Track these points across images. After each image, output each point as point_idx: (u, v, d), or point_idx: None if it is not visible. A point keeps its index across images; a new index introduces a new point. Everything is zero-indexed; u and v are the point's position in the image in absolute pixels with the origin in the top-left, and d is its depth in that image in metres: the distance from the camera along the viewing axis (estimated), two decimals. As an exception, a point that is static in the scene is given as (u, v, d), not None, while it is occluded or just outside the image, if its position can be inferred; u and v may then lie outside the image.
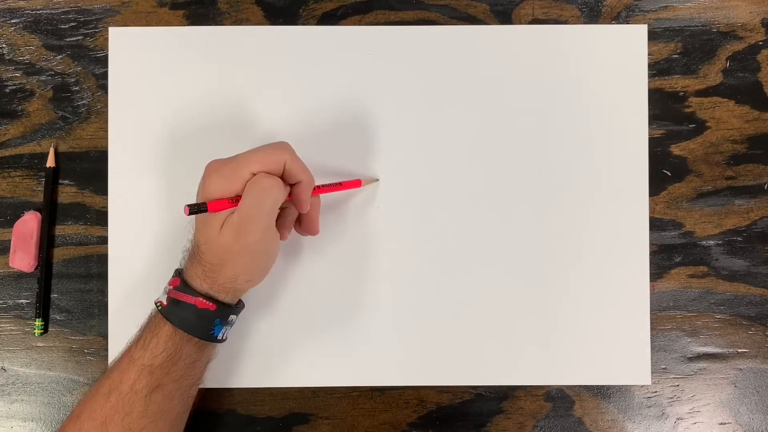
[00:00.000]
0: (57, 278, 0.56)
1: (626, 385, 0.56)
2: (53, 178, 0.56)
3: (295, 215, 0.51)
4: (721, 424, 0.56)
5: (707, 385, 0.56)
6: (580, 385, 0.56)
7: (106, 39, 0.57)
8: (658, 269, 0.57)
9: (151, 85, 0.57)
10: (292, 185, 0.49)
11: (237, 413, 0.56)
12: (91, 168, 0.57)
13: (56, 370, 0.56)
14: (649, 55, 0.58)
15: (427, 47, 0.57)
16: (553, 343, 0.56)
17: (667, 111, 0.58)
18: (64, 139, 0.57)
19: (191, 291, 0.47)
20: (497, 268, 0.56)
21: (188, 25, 0.57)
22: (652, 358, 0.56)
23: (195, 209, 0.45)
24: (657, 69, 0.58)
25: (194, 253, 0.48)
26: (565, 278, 0.56)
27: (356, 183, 0.55)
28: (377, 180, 0.56)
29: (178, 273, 0.49)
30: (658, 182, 0.57)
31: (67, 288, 0.56)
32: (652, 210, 0.57)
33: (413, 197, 0.57)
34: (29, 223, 0.56)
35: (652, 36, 0.58)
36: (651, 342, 0.56)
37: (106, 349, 0.56)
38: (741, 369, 0.56)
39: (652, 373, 0.56)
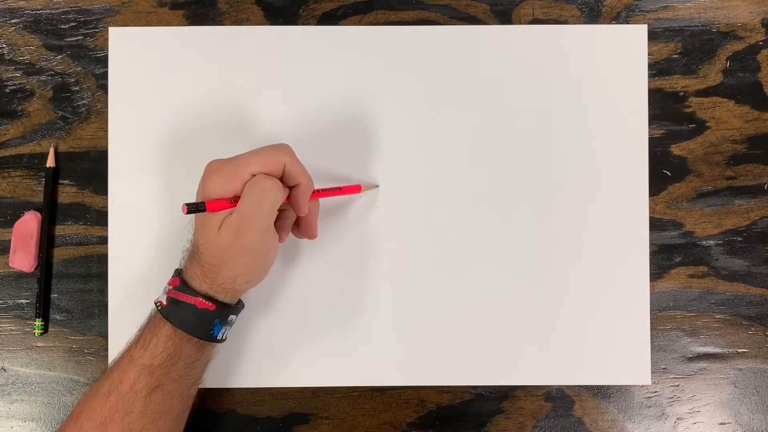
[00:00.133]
0: (57, 278, 0.56)
1: (626, 385, 0.56)
2: (53, 178, 0.56)
3: (294, 218, 0.51)
4: (721, 424, 0.56)
5: (707, 385, 0.56)
6: (580, 385, 0.56)
7: (106, 39, 0.57)
8: (658, 269, 0.57)
9: (151, 85, 0.57)
10: (291, 187, 0.49)
11: (237, 413, 0.56)
12: (91, 168, 0.57)
13: (56, 370, 0.56)
14: (649, 55, 0.58)
15: (427, 47, 0.57)
16: (553, 343, 0.56)
17: (667, 111, 0.58)
18: (64, 139, 0.57)
19: (191, 291, 0.47)
20: (497, 268, 0.56)
21: (188, 25, 0.57)
22: (652, 358, 0.56)
23: (193, 208, 0.45)
24: (657, 69, 0.58)
25: (193, 253, 0.48)
26: (565, 278, 0.56)
27: (356, 188, 0.55)
28: (377, 186, 0.56)
29: (178, 273, 0.49)
30: (658, 182, 0.57)
31: (67, 288, 0.56)
32: (652, 210, 0.57)
33: (413, 197, 0.57)
34: (29, 223, 0.56)
35: (652, 36, 0.58)
36: (651, 342, 0.56)
37: (106, 349, 0.56)
38: (741, 369, 0.56)
39: (652, 373, 0.56)
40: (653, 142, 0.57)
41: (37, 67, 0.57)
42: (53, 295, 0.56)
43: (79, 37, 0.57)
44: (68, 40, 0.57)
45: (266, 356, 0.56)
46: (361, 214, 0.56)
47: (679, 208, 0.57)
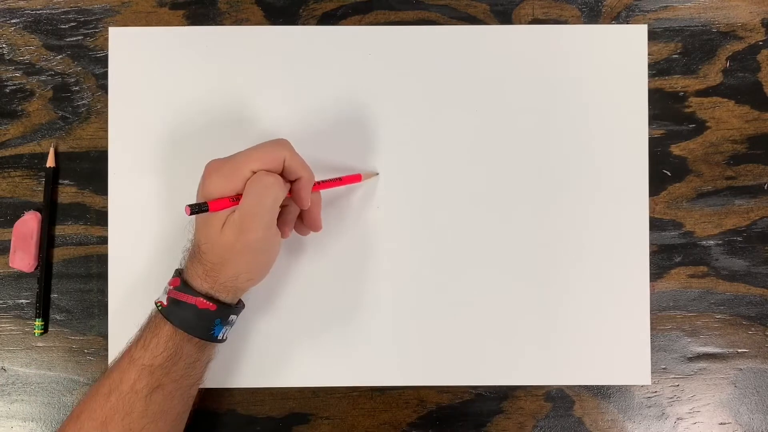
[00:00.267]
0: (57, 278, 0.56)
1: (626, 385, 0.56)
2: (53, 178, 0.56)
3: (297, 212, 0.51)
4: (721, 424, 0.56)
5: (707, 385, 0.56)
6: (580, 385, 0.56)
7: (106, 39, 0.57)
8: (658, 269, 0.57)
9: (151, 85, 0.57)
10: (292, 182, 0.49)
11: (237, 413, 0.56)
12: (91, 168, 0.57)
13: (56, 370, 0.56)
14: (649, 55, 0.58)
15: (427, 47, 0.57)
16: (553, 343, 0.56)
17: (667, 111, 0.58)
18: (64, 139, 0.57)
19: (191, 291, 0.47)
20: (497, 268, 0.56)
21: (188, 25, 0.57)
22: (652, 358, 0.56)
23: (196, 209, 0.45)
24: (657, 69, 0.58)
25: (195, 253, 0.48)
26: (565, 278, 0.56)
27: (356, 178, 0.55)
28: (377, 174, 0.56)
29: (179, 273, 0.49)
30: (658, 182, 0.57)
31: (67, 288, 0.56)
32: (652, 210, 0.57)
33: (413, 197, 0.57)
34: (29, 223, 0.56)
35: (652, 36, 0.58)
36: (651, 342, 0.56)
37: (106, 349, 0.56)
38: (741, 369, 0.56)
39: (652, 373, 0.56)
40: (653, 142, 0.57)
41: (37, 67, 0.57)
42: (53, 295, 0.56)
43: (79, 37, 0.57)
44: (68, 40, 0.57)
45: (266, 356, 0.56)
46: (361, 214, 0.56)
47: (679, 208, 0.57)
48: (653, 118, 0.57)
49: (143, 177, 0.56)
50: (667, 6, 0.58)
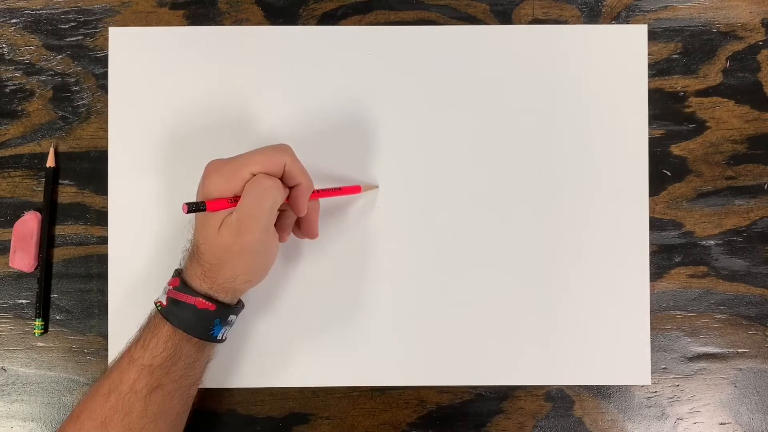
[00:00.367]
0: (57, 278, 0.56)
1: (626, 385, 0.56)
2: (53, 178, 0.56)
3: (294, 218, 0.51)
4: (721, 424, 0.56)
5: (707, 385, 0.56)
6: (580, 385, 0.56)
7: (106, 39, 0.57)
8: (658, 269, 0.57)
9: (151, 85, 0.57)
10: (291, 188, 0.49)
11: (237, 413, 0.56)
12: (91, 168, 0.57)
13: (56, 370, 0.56)
14: (649, 55, 0.57)
15: (427, 47, 0.57)
16: (553, 343, 0.56)
17: (667, 111, 0.58)
18: (64, 139, 0.57)
19: (191, 291, 0.47)
20: (497, 268, 0.56)
21: (188, 25, 0.57)
22: (652, 358, 0.56)
23: (194, 208, 0.45)
24: (657, 69, 0.58)
25: (194, 253, 0.48)
26: (565, 278, 0.56)
27: (356, 189, 0.55)
28: (377, 187, 0.56)
29: (178, 273, 0.49)
30: (658, 182, 0.57)
31: (67, 288, 0.56)
32: (652, 210, 0.57)
33: (413, 197, 0.57)
34: (29, 223, 0.56)
35: (652, 36, 0.58)
36: (651, 342, 0.56)
37: (106, 349, 0.56)
38: (741, 369, 0.56)
39: (652, 373, 0.56)
40: (653, 142, 0.57)
41: (37, 67, 0.57)
42: (53, 295, 0.56)
43: (79, 37, 0.57)
44: (68, 40, 0.57)
45: (266, 356, 0.56)
46: (361, 215, 0.56)
47: (679, 208, 0.57)
48: (653, 118, 0.57)
49: (143, 177, 0.56)
50: (667, 6, 0.58)
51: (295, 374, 0.56)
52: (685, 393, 0.56)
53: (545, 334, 0.56)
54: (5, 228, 0.57)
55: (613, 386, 0.56)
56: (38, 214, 0.56)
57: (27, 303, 0.56)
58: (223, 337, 0.50)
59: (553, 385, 0.56)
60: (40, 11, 0.57)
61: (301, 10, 0.58)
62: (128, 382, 0.46)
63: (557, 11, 0.58)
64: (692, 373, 0.56)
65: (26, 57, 0.57)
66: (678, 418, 0.56)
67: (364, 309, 0.56)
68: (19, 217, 0.56)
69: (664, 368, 0.56)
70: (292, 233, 0.53)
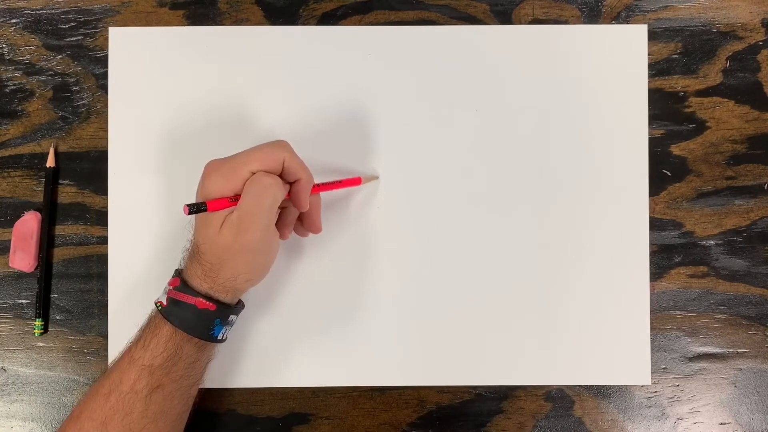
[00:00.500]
0: (57, 278, 0.56)
1: (626, 385, 0.56)
2: (53, 178, 0.56)
3: (296, 214, 0.51)
4: (721, 424, 0.56)
5: (707, 385, 0.56)
6: (580, 385, 0.56)
7: (106, 39, 0.57)
8: (658, 269, 0.57)
9: (151, 85, 0.57)
10: (291, 183, 0.49)
11: (237, 413, 0.56)
12: (91, 168, 0.57)
13: (56, 370, 0.56)
14: (649, 55, 0.58)
15: (427, 47, 0.57)
16: (553, 343, 0.56)
17: (667, 111, 0.58)
18: (64, 139, 0.57)
19: (191, 291, 0.47)
20: (497, 268, 0.56)
21: (188, 25, 0.57)
22: (652, 358, 0.56)
23: (194, 209, 0.45)
24: (657, 69, 0.58)
25: (194, 253, 0.48)
26: (565, 278, 0.56)
27: (356, 181, 0.55)
28: (377, 178, 0.56)
29: (178, 273, 0.49)
30: (658, 182, 0.57)
31: (67, 288, 0.56)
32: (652, 210, 0.57)
33: (413, 197, 0.57)
34: (29, 223, 0.56)
35: (652, 36, 0.58)
36: (651, 342, 0.56)
37: (106, 349, 0.56)
38: (741, 369, 0.56)
39: (652, 373, 0.56)
40: (653, 142, 0.57)
41: (37, 67, 0.57)
42: (53, 295, 0.56)
43: (79, 37, 0.57)
44: (68, 40, 0.57)
45: (266, 356, 0.56)
46: (361, 214, 0.56)
47: (679, 208, 0.57)
48: (653, 118, 0.57)
49: (143, 177, 0.56)
50: (667, 6, 0.58)
51: (295, 374, 0.56)
52: (685, 393, 0.56)
53: (545, 334, 0.56)
54: (5, 228, 0.57)
55: (613, 386, 0.56)
56: (38, 214, 0.56)
57: (27, 303, 0.56)
58: (224, 337, 0.50)
59: (553, 385, 0.56)
60: (40, 11, 0.57)
61: (301, 10, 0.58)
62: (128, 383, 0.46)
63: (557, 11, 0.58)
64: (692, 373, 0.56)
65: (26, 57, 0.57)
66: (678, 418, 0.56)
67: (364, 309, 0.56)
68: (19, 217, 0.56)
69: (664, 368, 0.56)
70: (294, 231, 0.52)
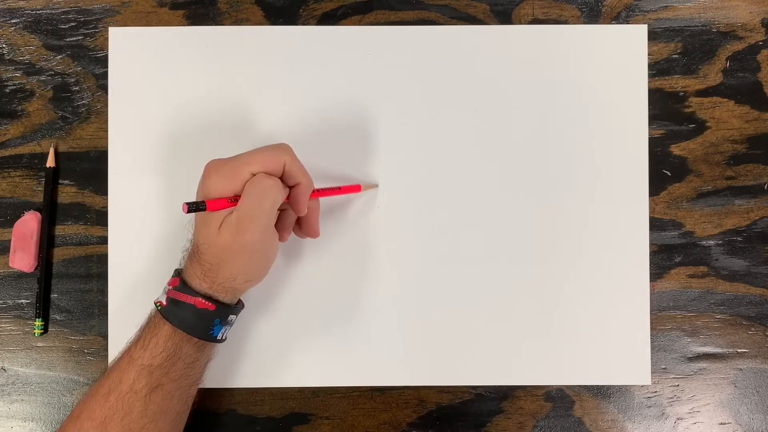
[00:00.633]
0: (57, 278, 0.56)
1: (626, 385, 0.56)
2: (53, 178, 0.56)
3: (295, 217, 0.51)
4: (721, 424, 0.56)
5: (707, 385, 0.56)
6: (580, 385, 0.56)
7: (106, 39, 0.57)
8: (658, 269, 0.57)
9: (151, 85, 0.57)
10: (291, 187, 0.49)
11: (237, 413, 0.56)
12: (91, 168, 0.57)
13: (56, 370, 0.56)
14: (649, 55, 0.57)
15: (427, 47, 0.57)
16: (553, 343, 0.56)
17: (667, 111, 0.58)
18: (64, 139, 0.57)
19: (191, 291, 0.47)
20: (497, 268, 0.56)
21: (188, 25, 0.57)
22: (652, 358, 0.56)
23: (193, 207, 0.45)
24: (657, 69, 0.58)
25: (194, 253, 0.48)
26: (565, 278, 0.56)
27: (355, 188, 0.55)
28: (376, 186, 0.56)
29: (178, 273, 0.49)
30: (658, 182, 0.57)
31: (67, 288, 0.56)
32: (652, 210, 0.57)
33: (413, 197, 0.57)
34: (29, 223, 0.56)
35: (652, 36, 0.58)
36: (651, 342, 0.56)
37: (106, 349, 0.56)
38: (741, 369, 0.56)
39: (652, 373, 0.56)
40: (653, 142, 0.57)
41: (37, 67, 0.57)
42: (53, 295, 0.56)
43: (79, 37, 0.57)
44: (68, 40, 0.57)
45: (266, 356, 0.56)
46: (361, 214, 0.56)
47: (679, 208, 0.57)
48: (653, 118, 0.57)
49: (143, 177, 0.56)
50: (667, 6, 0.58)
51: (295, 374, 0.56)
52: (685, 393, 0.56)
53: (545, 334, 0.56)
54: (5, 228, 0.57)
55: (613, 386, 0.56)
56: (38, 214, 0.56)
57: (27, 303, 0.56)
58: (223, 337, 0.50)
59: (553, 385, 0.56)
60: (40, 11, 0.57)
61: (301, 10, 0.58)
62: (128, 382, 0.46)
63: (557, 11, 0.58)
64: (692, 373, 0.56)
65: (26, 57, 0.57)
66: (678, 418, 0.56)
67: (364, 309, 0.56)
68: (19, 217, 0.56)
69: (664, 368, 0.56)
70: (293, 233, 0.53)
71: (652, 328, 0.56)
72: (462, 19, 0.58)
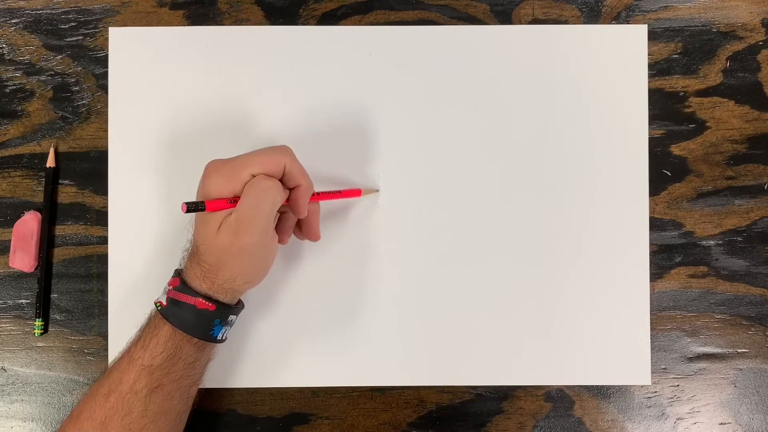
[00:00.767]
0: (57, 278, 0.56)
1: (626, 385, 0.56)
2: (53, 178, 0.56)
3: (295, 220, 0.51)
4: (721, 424, 0.56)
5: (707, 385, 0.56)
6: (580, 385, 0.56)
7: (106, 39, 0.57)
8: (658, 269, 0.57)
9: (151, 85, 0.57)
10: (291, 189, 0.49)
11: (237, 413, 0.56)
12: (91, 168, 0.57)
13: (56, 370, 0.56)
14: (649, 55, 0.57)
15: (427, 47, 0.57)
16: (553, 344, 0.56)
17: (667, 111, 0.58)
18: (64, 139, 0.57)
19: (191, 291, 0.47)
20: (497, 268, 0.56)
21: (188, 25, 0.57)
22: (652, 358, 0.56)
23: (193, 207, 0.45)
24: (657, 69, 0.58)
25: (193, 254, 0.48)
26: (565, 278, 0.56)
27: (356, 192, 0.55)
28: (377, 191, 0.56)
29: (178, 273, 0.49)
30: (658, 182, 0.57)
31: (67, 288, 0.56)
32: (652, 210, 0.57)
33: (413, 197, 0.57)
34: (29, 223, 0.56)
35: (652, 36, 0.58)
36: (651, 342, 0.56)
37: (106, 349, 0.56)
38: (741, 369, 0.56)
39: (652, 373, 0.56)
40: (653, 142, 0.57)
41: (37, 67, 0.57)
42: (53, 295, 0.56)
43: (79, 37, 0.57)
44: (68, 40, 0.57)
45: (266, 356, 0.56)
46: (362, 215, 0.56)
47: (679, 208, 0.57)
48: (653, 118, 0.57)
49: (143, 177, 0.56)
50: (667, 6, 0.58)
51: (295, 374, 0.56)
52: (685, 393, 0.56)
53: (545, 334, 0.56)
54: (5, 228, 0.57)
55: (613, 386, 0.56)
56: (38, 214, 0.56)
57: (27, 303, 0.56)
58: (223, 338, 0.50)
59: (553, 385, 0.56)
60: (40, 11, 0.57)
61: (301, 10, 0.58)
62: (128, 383, 0.46)
63: (557, 11, 0.58)
64: (692, 373, 0.56)
65: (26, 57, 0.57)
66: (678, 418, 0.56)
67: (364, 309, 0.56)
68: (19, 217, 0.56)
69: (664, 368, 0.56)
70: (293, 235, 0.52)
71: (652, 328, 0.56)
72: (462, 19, 0.58)
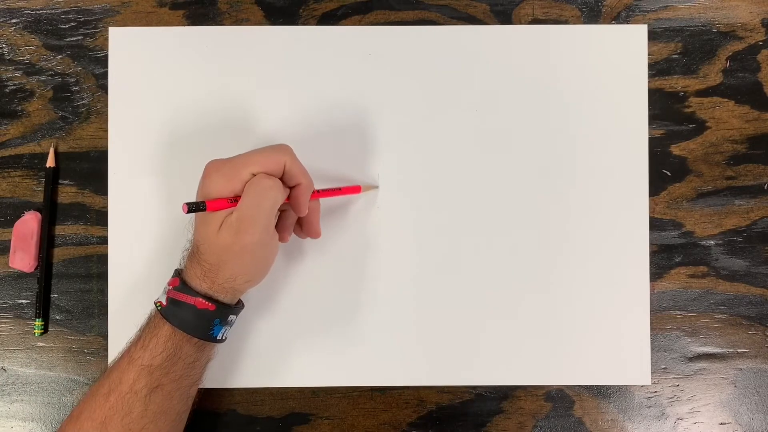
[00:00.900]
0: (57, 278, 0.56)
1: (626, 385, 0.56)
2: (53, 178, 0.56)
3: (296, 218, 0.51)
4: (721, 424, 0.56)
5: (707, 385, 0.56)
6: (580, 385, 0.56)
7: (106, 39, 0.57)
8: (658, 269, 0.57)
9: (151, 85, 0.57)
10: (291, 188, 0.49)
11: (237, 413, 0.56)
12: (91, 168, 0.57)
13: (56, 370, 0.56)
14: (649, 55, 0.57)
15: (427, 47, 0.57)
16: (553, 343, 0.56)
17: (667, 111, 0.58)
18: (64, 139, 0.57)
19: (191, 291, 0.47)
20: (497, 268, 0.56)
21: (188, 25, 0.57)
22: (652, 358, 0.56)
23: (193, 207, 0.45)
24: (657, 69, 0.58)
25: (194, 253, 0.48)
26: (565, 278, 0.56)
27: (356, 189, 0.55)
28: (377, 187, 0.56)
29: (178, 273, 0.49)
30: (658, 182, 0.57)
31: (67, 288, 0.56)
32: (652, 210, 0.57)
33: (413, 197, 0.57)
34: (29, 223, 0.56)
35: (652, 36, 0.58)
36: (651, 342, 0.56)
37: (106, 349, 0.56)
38: (741, 369, 0.56)
39: (652, 373, 0.56)
40: (653, 142, 0.57)
41: (37, 67, 0.57)
42: (53, 295, 0.56)
43: (79, 37, 0.57)
44: (68, 40, 0.57)
45: (266, 356, 0.56)
46: (361, 214, 0.56)
47: (679, 208, 0.57)
48: (653, 118, 0.57)
49: (143, 177, 0.56)
50: (667, 6, 0.58)
51: (294, 374, 0.56)
52: (685, 393, 0.56)
53: (545, 334, 0.56)
54: (5, 228, 0.57)
55: (613, 386, 0.56)
56: (38, 214, 0.56)
57: (27, 303, 0.56)
58: (223, 337, 0.50)
59: (553, 385, 0.56)
60: (40, 11, 0.57)
61: (301, 10, 0.58)
62: (128, 383, 0.46)
63: (557, 11, 0.58)
64: (692, 373, 0.56)
65: (26, 57, 0.57)
66: (678, 418, 0.56)
67: (364, 309, 0.56)
68: (19, 217, 0.56)
69: (664, 368, 0.56)
70: (293, 233, 0.53)
71: (652, 328, 0.56)
72: (462, 19, 0.58)
